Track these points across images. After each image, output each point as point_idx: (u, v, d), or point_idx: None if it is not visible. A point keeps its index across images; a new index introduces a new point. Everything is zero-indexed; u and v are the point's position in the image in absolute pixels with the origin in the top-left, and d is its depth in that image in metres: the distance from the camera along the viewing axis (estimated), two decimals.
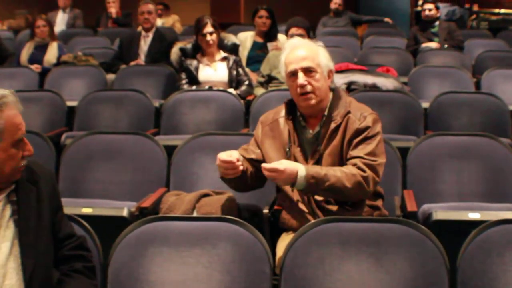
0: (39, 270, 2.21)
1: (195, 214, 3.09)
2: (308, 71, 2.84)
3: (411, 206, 3.20)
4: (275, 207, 3.05)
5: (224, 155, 2.77)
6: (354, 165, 2.77)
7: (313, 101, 2.84)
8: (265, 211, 3.09)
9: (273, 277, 2.44)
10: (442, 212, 3.09)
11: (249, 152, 2.98)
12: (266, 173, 2.70)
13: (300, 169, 2.71)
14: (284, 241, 2.79)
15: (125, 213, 3.17)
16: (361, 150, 2.79)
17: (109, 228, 2.63)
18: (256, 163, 2.94)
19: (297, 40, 3.06)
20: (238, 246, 2.44)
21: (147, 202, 3.32)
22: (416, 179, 3.60)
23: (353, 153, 2.80)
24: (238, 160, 2.76)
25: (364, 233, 2.43)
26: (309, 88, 2.83)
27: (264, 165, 2.71)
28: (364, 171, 2.74)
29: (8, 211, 2.22)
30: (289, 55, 2.91)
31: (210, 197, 3.21)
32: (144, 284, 2.41)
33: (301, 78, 2.83)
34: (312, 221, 2.53)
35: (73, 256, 2.33)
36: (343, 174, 2.72)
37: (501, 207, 3.25)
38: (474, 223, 2.59)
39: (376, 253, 2.39)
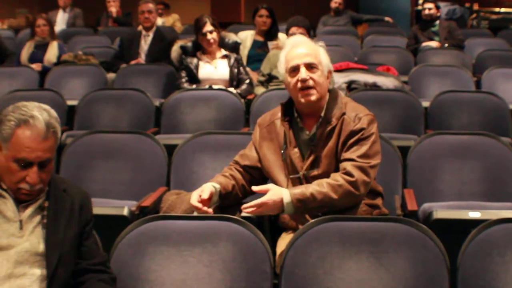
0: (63, 267, 2.24)
1: (195, 213, 3.09)
2: (310, 67, 2.83)
3: (411, 205, 3.20)
4: None
5: (194, 199, 2.72)
6: (344, 169, 2.74)
7: (313, 97, 2.81)
8: None
9: (273, 276, 2.44)
10: (442, 211, 3.09)
11: (243, 158, 2.96)
12: (249, 210, 2.66)
13: (285, 195, 2.68)
14: (284, 240, 2.79)
15: (125, 212, 3.17)
16: (353, 153, 2.77)
17: (109, 227, 2.63)
18: (250, 169, 2.93)
19: (298, 37, 3.05)
20: (239, 245, 2.44)
21: (147, 201, 3.32)
22: (417, 178, 3.60)
23: (345, 155, 2.78)
24: (209, 199, 2.74)
25: (365, 232, 2.43)
26: (311, 83, 2.80)
27: (244, 206, 2.67)
28: (352, 175, 2.71)
29: (38, 217, 2.27)
30: (291, 51, 2.89)
31: None
32: (144, 283, 2.41)
33: (304, 73, 2.81)
34: (312, 220, 2.52)
35: (94, 270, 2.35)
36: (329, 188, 2.69)
37: (501, 206, 3.25)
38: (475, 222, 2.59)
39: (377, 252, 2.39)
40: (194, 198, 2.72)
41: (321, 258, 2.40)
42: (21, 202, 2.25)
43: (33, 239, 2.24)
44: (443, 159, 3.63)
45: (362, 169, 2.73)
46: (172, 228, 2.50)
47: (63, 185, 2.35)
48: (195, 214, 2.68)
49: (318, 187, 2.69)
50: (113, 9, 8.99)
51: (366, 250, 2.39)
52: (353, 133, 2.80)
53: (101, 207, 3.20)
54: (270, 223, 3.02)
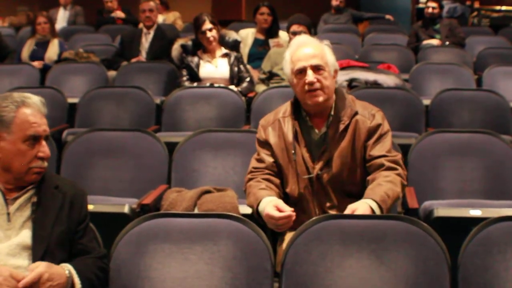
0: (49, 260, 2.24)
1: (196, 211, 3.09)
2: (317, 69, 2.80)
3: (412, 203, 3.20)
4: None
5: (276, 212, 2.64)
6: (382, 165, 2.75)
7: (321, 98, 2.79)
8: None
9: (274, 274, 2.44)
10: (443, 209, 3.09)
11: (261, 162, 2.89)
12: None
13: (371, 205, 2.62)
14: (285, 238, 2.79)
15: (126, 209, 3.17)
16: (381, 149, 2.79)
17: (110, 225, 2.63)
18: (273, 168, 2.88)
19: (304, 37, 3.02)
20: (240, 243, 2.44)
21: (148, 199, 3.32)
22: (418, 176, 3.60)
23: (373, 153, 2.79)
24: (293, 211, 2.65)
25: (365, 230, 2.43)
26: (318, 85, 2.78)
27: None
28: (395, 168, 2.75)
29: (27, 211, 2.29)
30: (297, 52, 2.85)
31: (212, 194, 3.21)
32: (145, 281, 2.41)
33: (311, 76, 2.78)
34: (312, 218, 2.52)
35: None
36: (390, 184, 2.69)
37: (502, 204, 3.25)
38: (475, 220, 2.59)
39: (377, 250, 2.38)
40: (274, 212, 2.64)
41: (322, 256, 2.40)
42: (12, 191, 2.28)
43: (23, 233, 2.26)
44: (444, 157, 3.63)
45: (397, 162, 2.78)
46: (172, 226, 2.50)
47: (57, 182, 2.37)
48: (196, 211, 2.68)
49: (384, 186, 2.68)
50: (119, 12, 8.97)
51: (367, 248, 2.39)
52: (372, 130, 2.81)
53: (102, 204, 3.21)
54: None
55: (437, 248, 2.37)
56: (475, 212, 3.02)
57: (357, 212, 2.58)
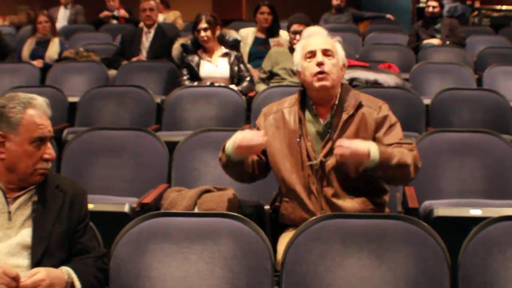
0: (49, 259, 2.24)
1: (196, 210, 3.09)
2: (326, 53, 2.86)
3: (412, 203, 3.20)
4: (277, 203, 3.05)
5: (249, 134, 2.77)
6: None
7: (328, 83, 2.82)
8: (267, 207, 3.09)
9: (274, 273, 2.44)
10: (443, 208, 3.09)
11: None
12: (340, 151, 2.65)
13: (372, 148, 2.66)
14: (285, 237, 2.79)
15: (126, 209, 3.17)
16: (393, 137, 2.81)
17: (110, 224, 2.64)
18: (259, 153, 2.91)
19: (316, 28, 3.07)
20: (240, 242, 2.44)
21: (148, 198, 3.32)
22: (418, 175, 3.59)
23: (386, 142, 2.80)
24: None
25: (366, 230, 2.43)
26: (326, 68, 2.83)
27: (338, 143, 2.66)
28: (411, 150, 2.77)
29: (28, 210, 2.29)
30: (308, 40, 2.94)
31: (212, 193, 3.21)
32: (145, 280, 2.41)
33: (320, 56, 2.84)
34: (312, 217, 2.52)
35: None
36: (403, 153, 2.72)
37: (502, 203, 3.25)
38: (476, 220, 2.59)
39: (378, 249, 2.39)
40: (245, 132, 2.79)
41: (322, 255, 2.40)
42: (13, 190, 2.29)
43: (23, 232, 2.26)
44: (444, 156, 3.63)
45: (412, 148, 2.79)
46: (173, 225, 2.50)
47: (58, 181, 2.37)
48: (196, 211, 2.68)
49: (394, 149, 2.71)
50: (122, 11, 8.97)
51: (367, 248, 2.39)
52: (380, 121, 2.84)
53: (102, 203, 3.21)
54: (271, 220, 3.02)
55: (437, 247, 2.38)
56: (475, 212, 3.03)
57: (353, 145, 2.63)
